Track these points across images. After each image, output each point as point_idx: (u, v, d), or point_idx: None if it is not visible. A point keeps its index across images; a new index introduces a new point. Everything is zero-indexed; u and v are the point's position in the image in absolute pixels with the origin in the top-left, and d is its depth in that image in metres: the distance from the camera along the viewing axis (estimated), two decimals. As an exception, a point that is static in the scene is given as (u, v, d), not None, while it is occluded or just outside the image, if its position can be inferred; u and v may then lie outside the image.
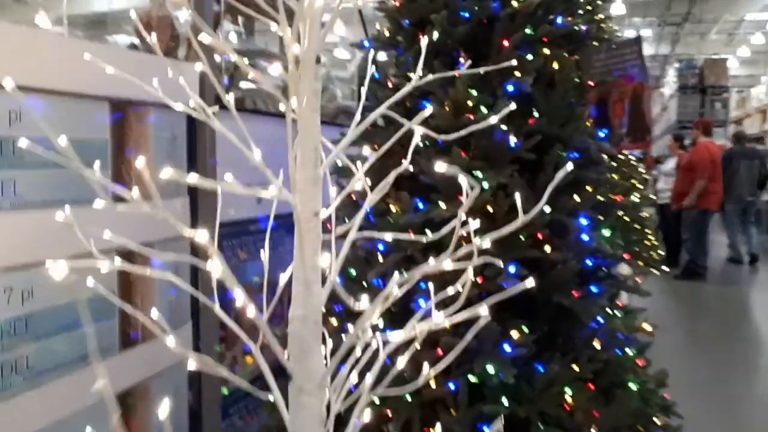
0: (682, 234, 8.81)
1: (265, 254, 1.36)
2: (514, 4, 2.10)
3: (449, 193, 2.12)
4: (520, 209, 1.19)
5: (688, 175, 8.38)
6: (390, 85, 2.35)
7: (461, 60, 2.26)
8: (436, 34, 2.15)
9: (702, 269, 8.50)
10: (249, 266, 2.60)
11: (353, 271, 2.37)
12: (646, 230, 6.60)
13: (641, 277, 6.81)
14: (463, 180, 1.13)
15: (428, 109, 1.37)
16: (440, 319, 1.17)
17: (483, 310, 1.20)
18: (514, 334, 2.03)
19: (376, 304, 1.32)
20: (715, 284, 8.46)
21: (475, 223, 1.33)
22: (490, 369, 1.89)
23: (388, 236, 1.37)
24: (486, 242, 1.25)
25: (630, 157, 7.24)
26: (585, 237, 2.06)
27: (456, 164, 2.07)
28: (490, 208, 2.10)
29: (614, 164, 6.18)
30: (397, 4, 2.27)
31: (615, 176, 2.27)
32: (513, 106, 2.02)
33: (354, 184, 1.35)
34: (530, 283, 1.20)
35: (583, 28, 2.28)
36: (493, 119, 1.35)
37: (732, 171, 8.90)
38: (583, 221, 2.24)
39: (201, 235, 0.94)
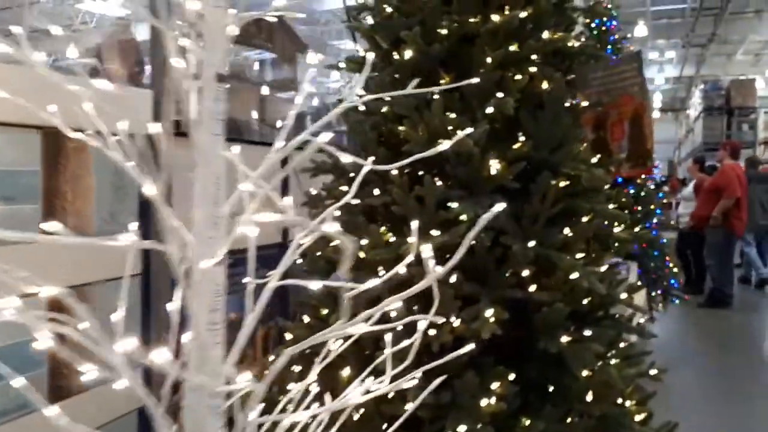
0: (706, 260, 8.44)
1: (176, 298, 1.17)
2: (495, 18, 1.90)
3: (425, 225, 1.91)
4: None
5: (713, 197, 8.03)
6: (361, 107, 2.16)
7: (442, 80, 2.08)
8: (409, 53, 1.96)
9: (728, 297, 8.11)
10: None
11: (324, 311, 2.17)
12: (666, 257, 6.29)
13: (663, 306, 6.51)
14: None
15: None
16: (359, 398, 0.97)
17: (411, 382, 0.99)
18: (495, 385, 1.80)
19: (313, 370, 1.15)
20: (741, 312, 8.06)
21: (428, 250, 1.10)
22: (462, 430, 1.67)
23: (314, 284, 1.16)
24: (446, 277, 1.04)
25: (651, 179, 6.98)
26: (575, 275, 1.83)
27: (429, 194, 1.87)
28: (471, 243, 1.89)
29: (632, 190, 5.95)
30: (372, 21, 2.09)
31: (613, 205, 2.04)
32: (485, 127, 1.83)
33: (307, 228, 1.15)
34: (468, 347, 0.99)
35: (577, 43, 2.08)
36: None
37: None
38: (578, 256, 2.02)
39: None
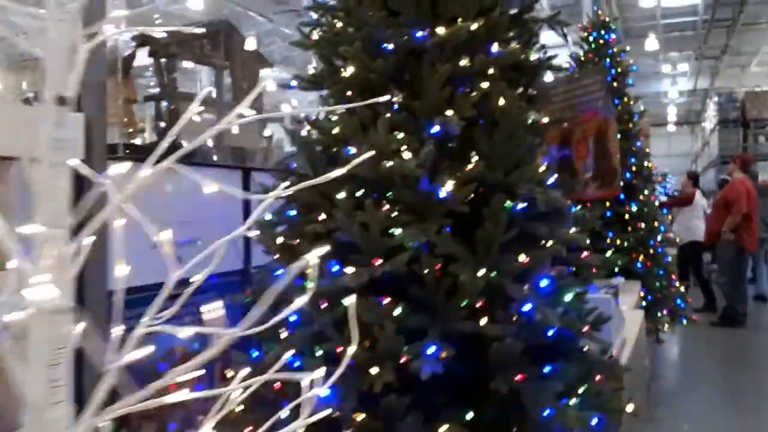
0: (719, 277, 8.19)
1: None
2: (440, 32, 1.78)
3: (371, 252, 1.78)
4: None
5: (723, 212, 7.80)
6: (308, 127, 2.05)
7: (395, 99, 1.96)
8: (351, 69, 1.85)
9: (741, 316, 7.83)
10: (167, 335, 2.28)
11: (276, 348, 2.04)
12: (672, 276, 6.07)
13: (670, 327, 6.27)
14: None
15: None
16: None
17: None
18: (443, 428, 1.65)
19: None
20: (755, 331, 7.79)
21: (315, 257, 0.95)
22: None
23: (184, 332, 1.03)
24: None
25: (656, 195, 6.78)
26: (527, 307, 1.69)
27: (372, 219, 1.74)
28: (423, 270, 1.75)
29: (635, 208, 5.75)
30: (315, 38, 1.98)
31: (576, 229, 1.90)
32: (430, 148, 1.71)
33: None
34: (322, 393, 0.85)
35: (538, 57, 1.95)
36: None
37: None
38: (544, 283, 1.87)
39: None
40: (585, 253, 1.99)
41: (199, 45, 2.36)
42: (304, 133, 2.02)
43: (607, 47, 6.00)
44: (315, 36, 2.01)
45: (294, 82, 2.13)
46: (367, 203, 1.72)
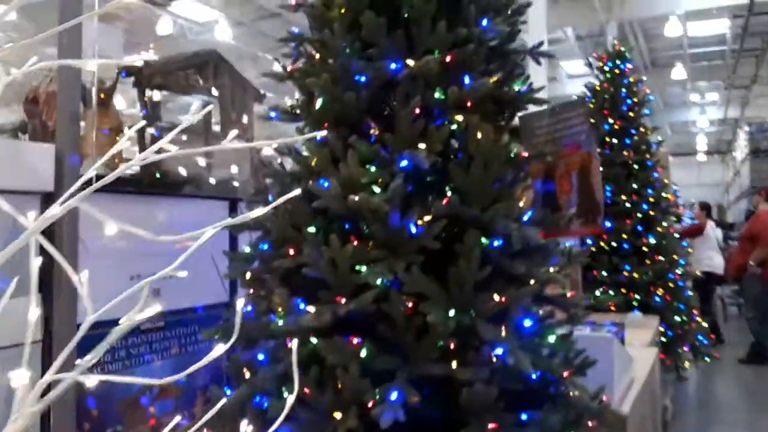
0: (746, 312, 7.91)
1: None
2: (411, 63, 1.73)
3: (339, 289, 1.71)
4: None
5: (749, 245, 7.56)
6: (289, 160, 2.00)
7: (372, 131, 1.91)
8: (320, 102, 1.80)
9: (771, 353, 7.55)
10: (145, 369, 2.24)
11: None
12: (693, 310, 5.87)
13: (692, 364, 6.04)
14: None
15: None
16: None
17: None
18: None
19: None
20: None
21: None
22: None
23: (92, 380, 0.97)
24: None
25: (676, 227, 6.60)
26: (499, 350, 1.60)
27: (339, 255, 1.68)
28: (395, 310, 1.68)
29: (653, 240, 5.59)
30: (289, 69, 1.94)
31: (555, 268, 1.81)
32: (399, 182, 1.65)
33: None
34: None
35: (518, 89, 1.89)
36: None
37: None
38: (527, 323, 1.79)
39: None
40: (570, 293, 1.90)
41: (184, 76, 2.35)
42: (278, 163, 1.98)
43: (623, 77, 5.92)
44: (294, 66, 1.98)
45: (273, 114, 2.10)
46: (332, 238, 1.66)
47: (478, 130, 1.79)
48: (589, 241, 5.22)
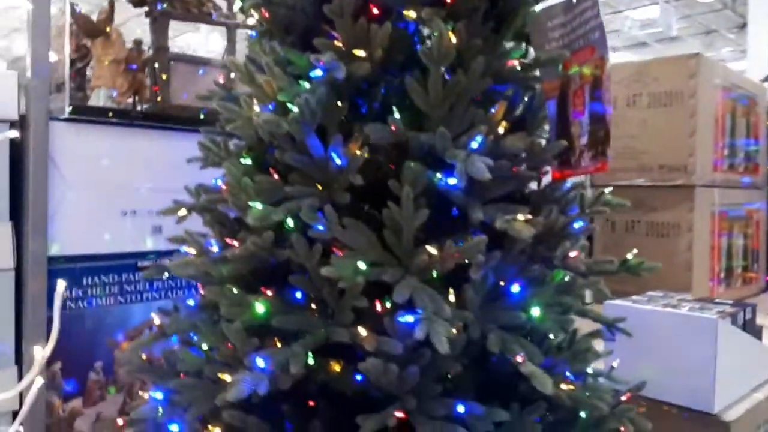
0: None
1: None
2: None
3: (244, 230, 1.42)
4: None
5: None
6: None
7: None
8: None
9: None
10: (134, 309, 2.13)
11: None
12: None
13: None
14: None
15: None
16: None
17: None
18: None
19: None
20: None
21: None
22: None
23: None
24: None
25: None
26: (410, 318, 1.19)
27: (244, 191, 1.40)
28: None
29: None
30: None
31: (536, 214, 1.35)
32: (316, 96, 1.30)
33: None
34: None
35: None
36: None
37: None
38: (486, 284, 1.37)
39: None
40: (573, 253, 1.39)
41: (198, 3, 2.16)
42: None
43: None
44: None
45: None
46: (243, 170, 1.37)
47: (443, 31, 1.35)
48: None
